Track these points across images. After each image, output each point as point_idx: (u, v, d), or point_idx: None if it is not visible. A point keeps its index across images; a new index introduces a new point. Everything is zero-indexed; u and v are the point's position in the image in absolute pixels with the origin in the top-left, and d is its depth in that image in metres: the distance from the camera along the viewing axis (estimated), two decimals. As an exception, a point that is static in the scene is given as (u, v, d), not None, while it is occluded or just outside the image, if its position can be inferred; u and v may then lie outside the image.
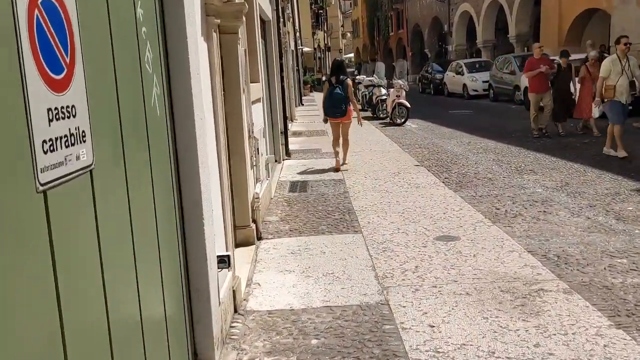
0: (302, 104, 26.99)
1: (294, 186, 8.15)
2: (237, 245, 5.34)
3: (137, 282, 2.21)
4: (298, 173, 9.18)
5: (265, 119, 7.38)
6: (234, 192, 5.34)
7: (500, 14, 28.84)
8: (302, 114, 21.31)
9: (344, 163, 9.49)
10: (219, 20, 3.82)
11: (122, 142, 2.16)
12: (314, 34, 49.98)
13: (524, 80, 18.39)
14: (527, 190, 7.25)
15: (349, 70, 41.59)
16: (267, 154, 7.27)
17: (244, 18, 5.28)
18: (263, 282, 4.50)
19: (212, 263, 3.20)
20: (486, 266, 4.60)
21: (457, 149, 11.08)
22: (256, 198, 5.61)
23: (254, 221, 5.59)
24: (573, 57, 16.79)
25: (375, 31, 53.28)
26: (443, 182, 7.94)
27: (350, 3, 75.24)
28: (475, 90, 23.81)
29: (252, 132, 5.80)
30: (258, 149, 5.95)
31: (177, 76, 2.92)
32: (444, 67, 28.52)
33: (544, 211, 6.22)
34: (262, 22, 9.47)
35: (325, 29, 62.68)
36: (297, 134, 14.95)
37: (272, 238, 5.68)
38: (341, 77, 9.22)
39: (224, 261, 3.38)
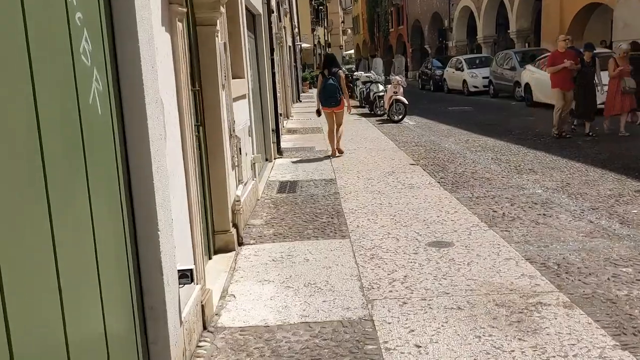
0: (300, 101, 26.65)
1: (283, 186, 7.81)
2: (215, 252, 5.02)
3: (60, 302, 1.87)
4: (288, 172, 8.84)
5: (252, 117, 7.04)
6: (213, 195, 5.01)
7: (501, 9, 28.43)
8: (299, 111, 20.97)
9: (340, 152, 10.20)
10: (184, 9, 3.47)
11: (41, 146, 1.82)
12: (313, 30, 49.60)
13: (524, 77, 18.07)
14: (526, 191, 6.91)
15: (348, 66, 41.62)
16: (253, 153, 6.94)
17: (222, 9, 4.94)
18: (239, 293, 4.16)
19: (170, 278, 2.87)
20: (481, 276, 4.26)
21: (454, 147, 10.74)
22: (237, 201, 5.27)
23: (235, 226, 5.26)
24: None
25: (375, 27, 52.85)
26: (438, 182, 7.60)
27: (351, -1, 74.78)
28: (476, 87, 23.46)
29: (234, 130, 5.47)
30: (240, 148, 5.62)
31: (126, 70, 2.57)
32: (444, 63, 28.14)
33: (544, 214, 5.88)
34: (252, 15, 9.13)
35: (325, 25, 62.27)
36: (291, 131, 14.62)
37: (254, 243, 5.34)
38: (333, 69, 10.09)
39: (186, 276, 3.04)
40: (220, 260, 4.85)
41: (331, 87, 9.92)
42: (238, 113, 5.94)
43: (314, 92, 29.51)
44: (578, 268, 4.39)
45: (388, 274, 4.38)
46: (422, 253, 4.82)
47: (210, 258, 4.88)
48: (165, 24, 3.19)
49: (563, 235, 5.18)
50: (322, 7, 58.38)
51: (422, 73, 31.14)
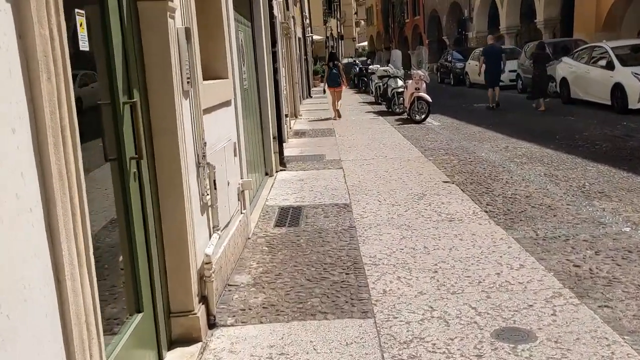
0: (311, 97, 24.90)
1: (283, 215, 6.09)
2: (172, 343, 3.33)
3: None
4: (292, 193, 7.11)
5: (240, 128, 5.30)
6: (168, 260, 3.32)
7: (526, -3, 26.46)
8: (309, 108, 19.24)
9: (339, 116, 15.16)
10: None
11: None
12: (326, 21, 47.67)
13: (560, 70, 16.15)
14: (608, 229, 5.14)
15: (361, 59, 41.11)
16: (242, 178, 5.22)
17: (179, -25, 3.21)
18: None
19: None
20: (601, 418, 2.52)
21: (493, 156, 8.95)
22: (207, 264, 3.56)
23: (204, 300, 3.55)
24: (614, 44, 14.51)
25: (390, 18, 50.81)
26: (486, 212, 5.83)
27: (364, -10, 72.81)
28: (502, 81, 21.48)
29: (204, 156, 3.75)
30: (215, 181, 3.90)
31: None
32: (465, 55, 26.19)
33: (650, 272, 4.12)
34: (249, 0, 7.42)
35: (338, 16, 60.30)
36: (299, 134, 12.88)
37: (232, 325, 3.62)
38: (335, 62, 16.11)
39: None
40: (175, 365, 3.15)
41: (334, 74, 15.69)
42: (214, 128, 4.22)
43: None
44: None
45: (442, 408, 2.64)
46: (489, 355, 3.08)
47: (160, 358, 3.18)
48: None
49: (699, 318, 3.42)
50: (334, -1, 56.47)
51: (441, 66, 29.27)
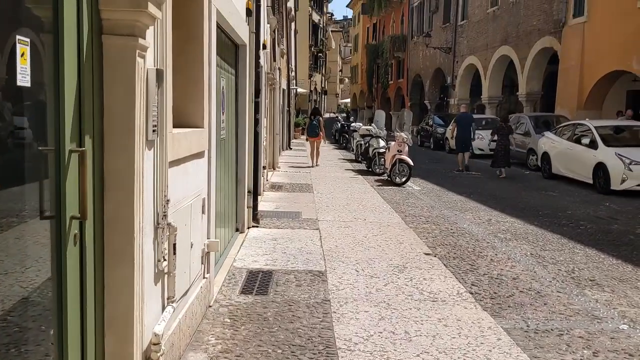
0: (290, 148, 24.59)
1: (252, 281, 5.55)
2: None
3: None
4: (263, 254, 6.58)
5: (212, 183, 4.83)
6: (107, 337, 2.76)
7: (508, 70, 26.94)
8: (287, 160, 18.86)
9: (316, 165, 17.12)
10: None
11: None
12: (311, 76, 48.12)
13: (542, 145, 16.12)
14: (604, 325, 4.71)
15: (342, 115, 41.73)
16: (208, 238, 4.70)
17: (156, 10, 2.79)
18: None
19: None
20: None
21: (476, 229, 8.56)
22: (155, 344, 3.01)
23: (147, 388, 2.99)
24: (598, 123, 14.50)
25: (374, 78, 51.53)
26: (471, 293, 5.38)
27: (351, 49, 74.35)
28: (481, 150, 21.45)
29: (165, 216, 3.25)
30: (175, 244, 3.39)
31: None
32: (446, 120, 26.35)
33: (657, 384, 3.67)
34: (234, 46, 7.09)
35: (323, 72, 61.11)
36: (276, 187, 12.42)
37: (179, 419, 3.06)
38: (317, 116, 18.29)
39: None
40: None
41: (314, 125, 17.78)
42: (182, 183, 3.74)
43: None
44: None
45: None
46: None
47: None
48: None
49: None
50: (321, 55, 57.38)
51: (422, 129, 29.45)
